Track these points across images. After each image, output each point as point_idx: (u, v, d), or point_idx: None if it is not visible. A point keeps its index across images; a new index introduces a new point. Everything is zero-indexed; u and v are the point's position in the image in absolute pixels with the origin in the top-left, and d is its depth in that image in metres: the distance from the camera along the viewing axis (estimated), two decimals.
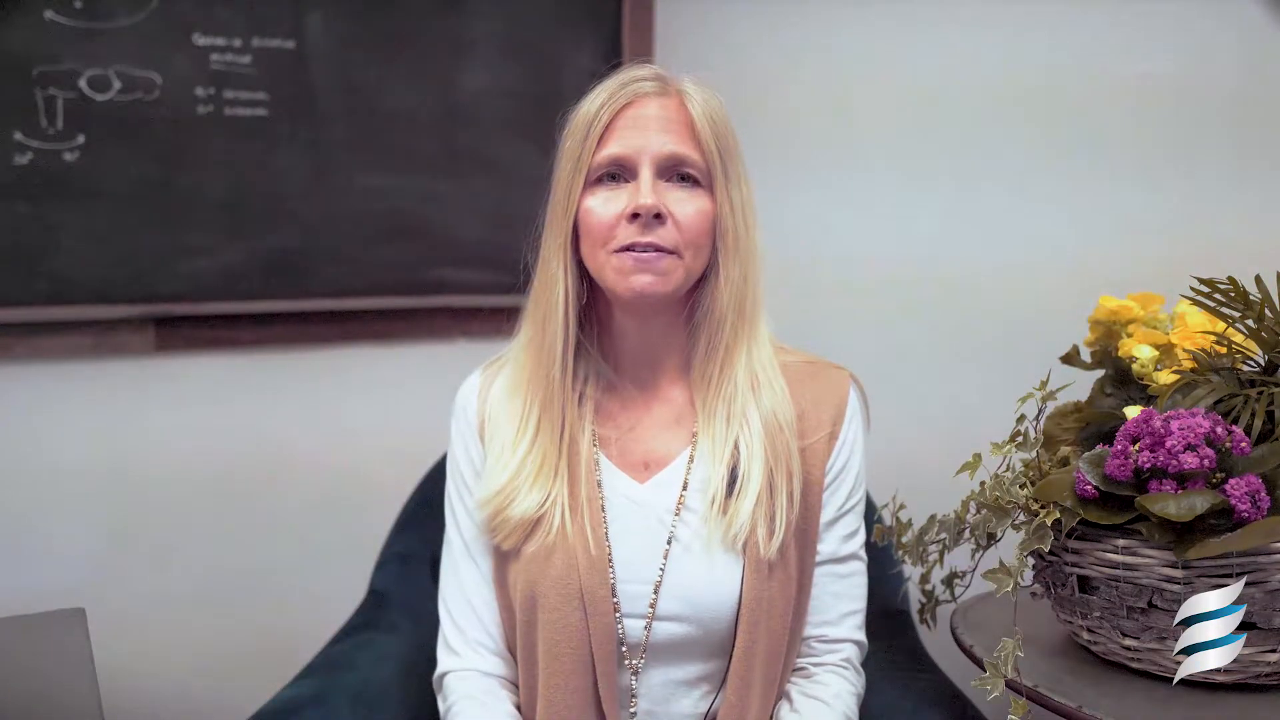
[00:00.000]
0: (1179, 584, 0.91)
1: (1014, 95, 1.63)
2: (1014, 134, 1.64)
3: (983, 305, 1.66)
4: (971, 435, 1.05)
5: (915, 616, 1.20)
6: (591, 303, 0.99)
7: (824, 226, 1.66)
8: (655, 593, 0.94)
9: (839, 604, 1.00)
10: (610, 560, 0.95)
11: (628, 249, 0.91)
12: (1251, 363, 1.04)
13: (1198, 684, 0.93)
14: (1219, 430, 0.91)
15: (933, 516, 1.10)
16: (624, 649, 0.95)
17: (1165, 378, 1.04)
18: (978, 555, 1.03)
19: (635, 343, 1.00)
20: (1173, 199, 1.63)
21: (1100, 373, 1.13)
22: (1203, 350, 1.04)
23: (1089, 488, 0.94)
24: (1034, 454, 1.01)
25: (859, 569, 1.02)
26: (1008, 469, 1.00)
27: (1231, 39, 1.61)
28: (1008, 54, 1.63)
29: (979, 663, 1.01)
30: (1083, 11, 1.61)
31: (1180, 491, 0.90)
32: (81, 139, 1.35)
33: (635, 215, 0.91)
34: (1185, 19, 1.61)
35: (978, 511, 1.01)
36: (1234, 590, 0.88)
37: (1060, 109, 1.63)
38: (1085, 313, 1.13)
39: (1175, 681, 0.91)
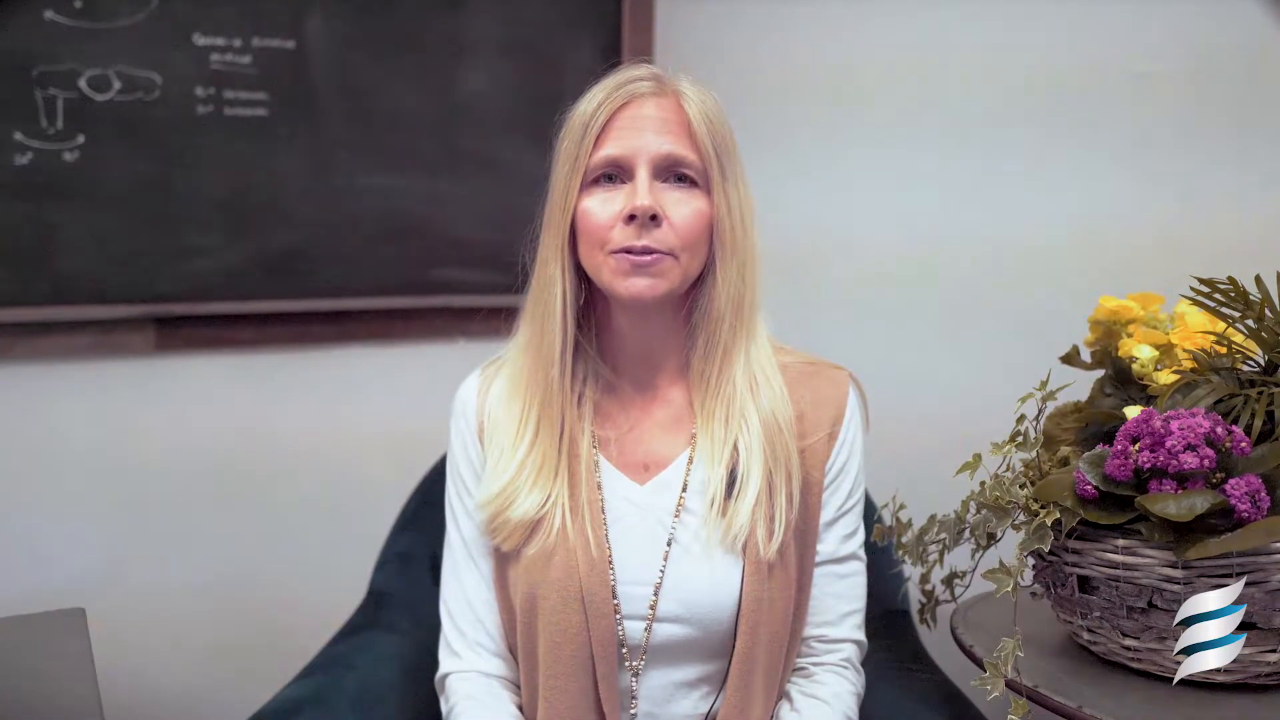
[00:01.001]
0: (1179, 584, 0.91)
1: (1015, 95, 1.63)
2: (1016, 134, 1.64)
3: (983, 305, 1.66)
4: (971, 435, 1.05)
5: (915, 616, 1.20)
6: (590, 303, 0.99)
7: (823, 226, 1.66)
8: (655, 594, 0.94)
9: (839, 604, 1.00)
10: (610, 562, 0.95)
11: (625, 251, 0.91)
12: (1251, 363, 1.04)
13: (1198, 684, 0.93)
14: (1219, 430, 0.91)
15: (933, 516, 1.10)
16: (624, 650, 0.95)
17: (1165, 378, 1.04)
18: (978, 555, 1.03)
19: (634, 343, 1.00)
20: (1175, 197, 1.63)
21: (1100, 373, 1.13)
22: (1203, 350, 1.04)
23: (1089, 488, 0.94)
24: (1034, 454, 1.01)
25: (858, 569, 1.02)
26: (1008, 469, 1.00)
27: (1234, 35, 1.61)
28: (1008, 53, 1.63)
29: (979, 663, 1.01)
30: (1082, 4, 1.61)
31: (1180, 491, 0.90)
32: (81, 139, 1.35)
33: (632, 216, 0.90)
34: (1187, 12, 1.61)
35: (978, 511, 1.01)
36: (1234, 590, 0.88)
37: (1062, 106, 1.63)
38: (1086, 312, 1.13)
39: (1175, 681, 0.91)
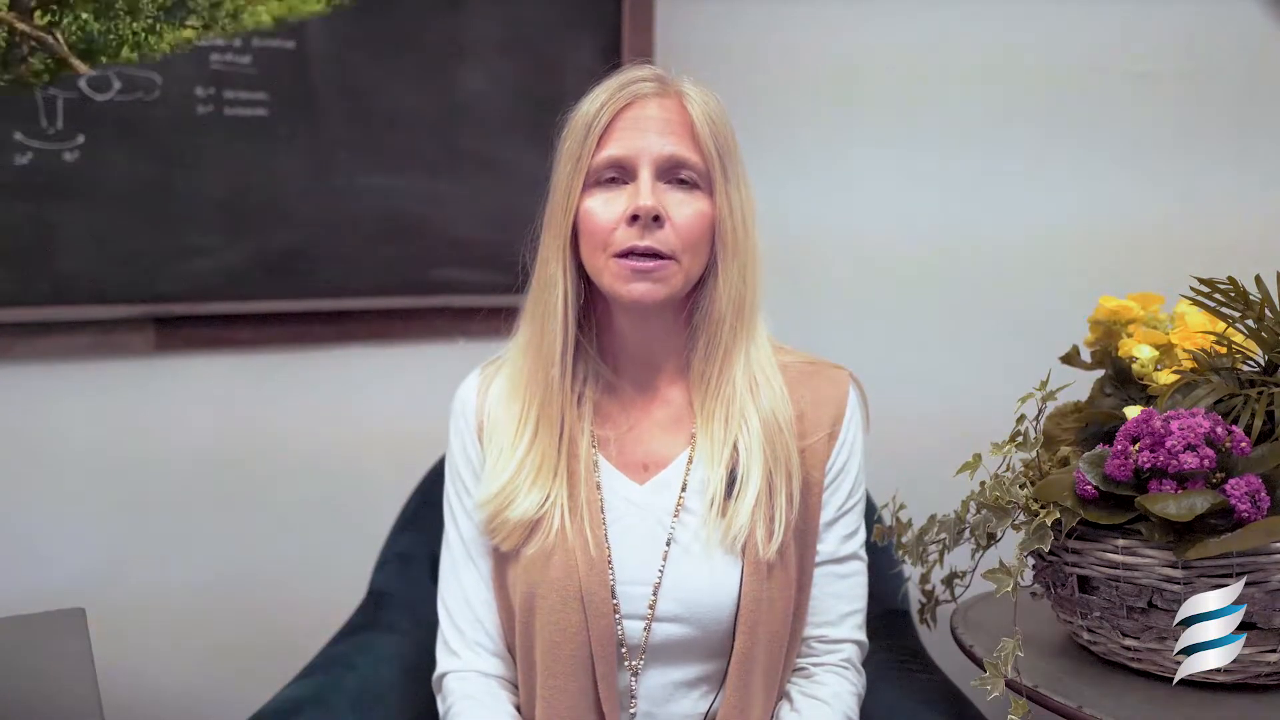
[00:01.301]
0: (1179, 584, 0.91)
1: (1015, 95, 1.63)
2: (1016, 134, 1.64)
3: (983, 305, 1.66)
4: (971, 435, 1.05)
5: (915, 616, 1.20)
6: (590, 303, 0.99)
7: (824, 226, 1.66)
8: (654, 594, 0.94)
9: (839, 604, 1.00)
10: (610, 562, 0.95)
11: (627, 254, 0.91)
12: (1251, 363, 1.04)
13: (1198, 684, 0.93)
14: (1219, 430, 0.91)
15: (933, 516, 1.10)
16: (623, 650, 0.95)
17: (1165, 378, 1.04)
18: (978, 555, 1.03)
19: (634, 343, 1.00)
20: (1175, 197, 1.63)
21: (1100, 373, 1.13)
22: (1203, 350, 1.04)
23: (1089, 488, 0.94)
24: (1034, 454, 1.01)
25: (859, 569, 1.02)
26: (1008, 469, 1.00)
27: (1234, 35, 1.61)
28: (1008, 53, 1.63)
29: (979, 663, 1.01)
30: (1082, 4, 1.61)
31: (1180, 491, 0.90)
32: (81, 139, 1.35)
33: (634, 217, 0.90)
34: (1187, 12, 1.61)
35: (978, 511, 1.01)
36: (1234, 590, 0.88)
37: (1062, 106, 1.63)
38: (1086, 312, 1.13)
39: (1175, 681, 0.91)
